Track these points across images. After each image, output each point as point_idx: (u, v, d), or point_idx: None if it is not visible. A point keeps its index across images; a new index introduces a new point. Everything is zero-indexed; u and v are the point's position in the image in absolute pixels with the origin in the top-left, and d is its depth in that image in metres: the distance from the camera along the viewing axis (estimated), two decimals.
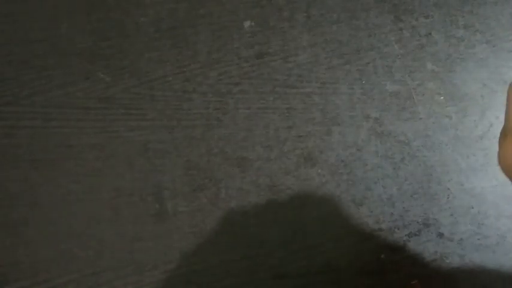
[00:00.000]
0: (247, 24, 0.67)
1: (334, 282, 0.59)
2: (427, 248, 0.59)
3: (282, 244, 0.60)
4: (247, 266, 0.59)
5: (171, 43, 0.66)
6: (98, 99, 0.63)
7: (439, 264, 0.59)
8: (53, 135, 0.62)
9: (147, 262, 0.59)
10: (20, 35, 0.66)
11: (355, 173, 0.62)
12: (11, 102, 0.63)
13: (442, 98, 0.64)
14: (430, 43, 0.66)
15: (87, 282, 0.58)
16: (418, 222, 0.60)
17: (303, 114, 0.64)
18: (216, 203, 0.61)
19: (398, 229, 0.60)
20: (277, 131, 0.63)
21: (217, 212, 0.61)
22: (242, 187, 0.61)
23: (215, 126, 0.63)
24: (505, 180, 0.61)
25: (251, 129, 0.63)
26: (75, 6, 0.67)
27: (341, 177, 0.62)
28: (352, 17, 0.67)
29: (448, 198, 0.61)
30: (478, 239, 0.60)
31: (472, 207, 0.61)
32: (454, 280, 0.59)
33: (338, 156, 0.62)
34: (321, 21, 0.67)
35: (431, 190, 0.61)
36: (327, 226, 0.60)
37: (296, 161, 0.62)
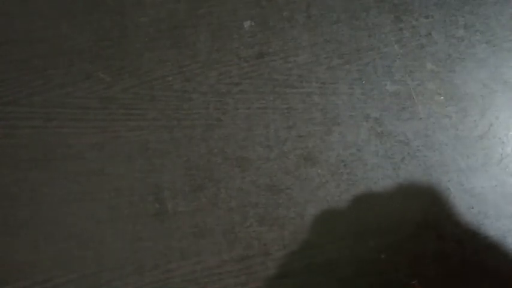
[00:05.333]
0: (247, 24, 0.67)
1: (334, 282, 0.59)
2: (427, 248, 0.59)
3: (282, 244, 0.60)
4: (247, 266, 0.59)
5: (171, 43, 0.66)
6: (98, 99, 0.63)
7: (439, 264, 0.59)
8: (53, 135, 0.62)
9: (147, 262, 0.59)
10: (20, 35, 0.66)
11: (355, 173, 0.62)
12: (11, 102, 0.63)
13: (442, 98, 0.64)
14: (430, 43, 0.66)
15: (87, 282, 0.58)
16: (418, 222, 0.60)
17: (303, 114, 0.64)
18: (216, 203, 0.61)
19: (398, 229, 0.60)
20: (277, 131, 0.63)
21: (217, 212, 0.61)
22: (242, 187, 0.61)
23: (215, 126, 0.63)
24: (505, 180, 0.61)
25: (251, 129, 0.63)
26: (75, 6, 0.67)
27: (341, 177, 0.62)
28: (352, 17, 0.67)
29: (448, 198, 0.61)
30: (478, 239, 0.60)
31: (472, 207, 0.61)
32: (454, 280, 0.59)
33: (338, 156, 0.62)
34: (321, 21, 0.67)
35: (431, 190, 0.61)
36: (327, 226, 0.60)
37: (296, 161, 0.62)
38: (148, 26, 0.67)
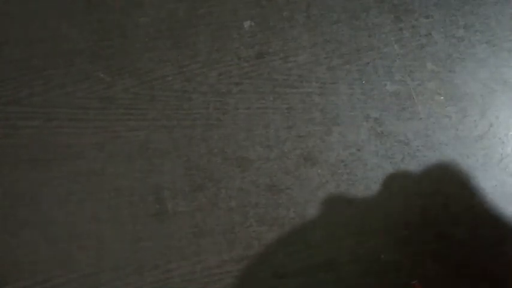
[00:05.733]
0: (247, 24, 0.67)
1: (334, 282, 0.59)
2: (427, 248, 0.59)
3: (282, 244, 0.60)
4: (247, 266, 0.59)
5: (171, 43, 0.66)
6: (98, 99, 0.63)
7: (439, 264, 0.59)
8: (53, 135, 0.62)
9: (147, 262, 0.59)
10: (20, 35, 0.66)
11: (355, 173, 0.62)
12: (11, 102, 0.63)
13: (442, 98, 0.64)
14: (430, 43, 0.66)
15: (87, 282, 0.58)
16: (418, 222, 0.60)
17: (303, 114, 0.64)
18: (216, 203, 0.61)
19: (398, 229, 0.60)
20: (277, 131, 0.63)
21: (217, 212, 0.61)
22: (242, 187, 0.61)
23: (215, 126, 0.63)
24: (505, 180, 0.61)
25: (251, 129, 0.63)
26: (75, 6, 0.67)
27: (341, 177, 0.62)
28: (352, 17, 0.67)
29: (448, 198, 0.61)
30: (478, 239, 0.60)
31: (472, 207, 0.61)
32: (454, 280, 0.59)
33: (338, 156, 0.62)
34: (321, 21, 0.67)
35: (431, 190, 0.61)
36: (327, 226, 0.60)
37: (296, 161, 0.62)
38: (148, 26, 0.67)
